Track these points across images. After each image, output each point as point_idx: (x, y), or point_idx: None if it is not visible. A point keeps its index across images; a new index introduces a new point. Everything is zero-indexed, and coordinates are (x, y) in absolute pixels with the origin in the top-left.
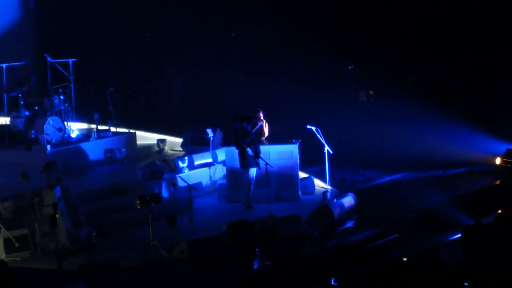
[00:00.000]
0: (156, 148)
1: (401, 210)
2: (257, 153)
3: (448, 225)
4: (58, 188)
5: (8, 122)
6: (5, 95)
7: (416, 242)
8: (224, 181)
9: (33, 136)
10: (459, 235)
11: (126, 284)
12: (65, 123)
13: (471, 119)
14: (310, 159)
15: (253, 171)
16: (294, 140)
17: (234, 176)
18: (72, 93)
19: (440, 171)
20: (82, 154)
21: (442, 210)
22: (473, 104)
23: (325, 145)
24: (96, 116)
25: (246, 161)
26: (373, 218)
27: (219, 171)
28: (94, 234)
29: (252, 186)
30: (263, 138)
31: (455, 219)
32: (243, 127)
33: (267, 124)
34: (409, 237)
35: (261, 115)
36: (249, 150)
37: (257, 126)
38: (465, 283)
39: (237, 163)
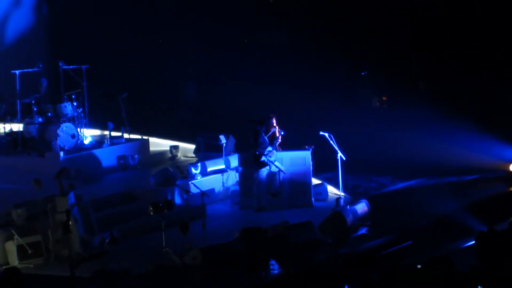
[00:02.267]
0: (169, 155)
1: (415, 217)
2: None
3: (462, 232)
4: (71, 195)
5: (21, 129)
6: (18, 101)
7: (429, 249)
8: (237, 188)
9: (53, 143)
10: (473, 242)
11: None
12: (78, 129)
13: (484, 125)
14: (323, 165)
15: (262, 172)
16: (307, 147)
17: (247, 182)
18: (85, 100)
19: (454, 178)
20: (95, 160)
21: (455, 217)
22: (487, 110)
23: (338, 151)
24: (110, 126)
25: (259, 162)
26: (387, 225)
27: (232, 178)
28: (106, 240)
29: (262, 187)
30: (275, 146)
31: (468, 226)
32: (256, 130)
33: (279, 130)
34: (423, 244)
35: (274, 121)
36: (264, 158)
37: (270, 132)
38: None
39: (250, 170)
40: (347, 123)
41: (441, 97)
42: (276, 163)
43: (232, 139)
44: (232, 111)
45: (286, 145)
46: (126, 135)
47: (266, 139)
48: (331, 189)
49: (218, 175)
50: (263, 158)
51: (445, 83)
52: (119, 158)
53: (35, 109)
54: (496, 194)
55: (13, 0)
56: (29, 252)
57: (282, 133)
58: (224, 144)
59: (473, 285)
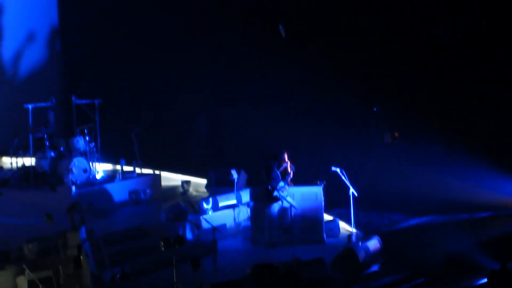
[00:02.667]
0: (181, 190)
1: (427, 254)
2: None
3: (474, 270)
4: (82, 230)
5: (33, 163)
6: (30, 135)
7: (442, 287)
8: (249, 223)
9: (65, 178)
10: (485, 280)
11: None
12: (90, 164)
13: (497, 162)
14: (335, 201)
15: (274, 207)
16: (318, 182)
17: (259, 218)
18: (98, 134)
19: (466, 215)
20: (107, 195)
21: (468, 254)
22: (500, 147)
23: (350, 187)
24: (122, 162)
25: (271, 198)
26: (399, 262)
27: (243, 213)
28: (118, 276)
29: (273, 222)
30: (287, 181)
31: (481, 264)
32: (269, 165)
33: (291, 165)
34: (435, 282)
35: (286, 156)
36: (276, 193)
37: (282, 167)
38: None
39: (261, 205)
40: (359, 158)
41: (454, 133)
42: (288, 198)
43: (243, 174)
44: (244, 146)
45: (298, 181)
46: (138, 170)
47: (279, 174)
48: (343, 225)
49: (230, 210)
50: (275, 193)
51: (458, 119)
52: (131, 192)
53: (47, 143)
54: (509, 231)
55: (26, 35)
56: (40, 287)
57: (293, 168)
58: (236, 179)
59: None
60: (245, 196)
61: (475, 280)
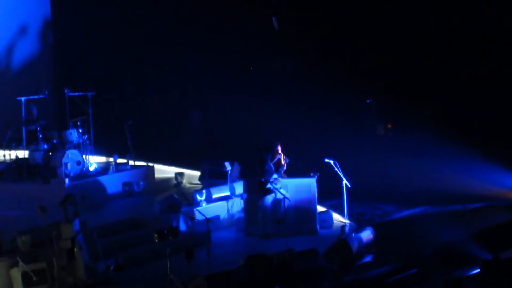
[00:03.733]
0: (174, 182)
1: (420, 244)
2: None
3: (467, 260)
4: (76, 222)
5: (26, 156)
6: (23, 128)
7: (434, 277)
8: (242, 215)
9: (58, 170)
10: (478, 270)
11: None
12: (84, 156)
13: (490, 153)
14: (328, 192)
15: (267, 199)
16: (312, 174)
17: (252, 209)
18: (91, 126)
19: (459, 206)
20: (100, 187)
21: (460, 245)
22: (492, 138)
23: (343, 178)
24: (115, 157)
25: (264, 189)
26: (392, 253)
27: (237, 205)
28: (111, 268)
29: (267, 214)
30: (281, 173)
31: (473, 254)
32: (262, 157)
33: (284, 157)
34: (428, 272)
35: (279, 148)
36: (269, 185)
37: (275, 159)
38: None
39: (255, 197)
40: (352, 150)
41: (446, 124)
42: (281, 190)
43: (237, 166)
44: (237, 138)
45: (291, 172)
46: (131, 162)
47: (272, 166)
48: (336, 217)
49: (223, 202)
50: (269, 185)
51: (451, 111)
52: (124, 184)
53: (40, 136)
54: (501, 222)
55: (19, 27)
56: (34, 279)
57: (287, 160)
58: (229, 171)
59: None
60: (239, 188)
61: (467, 271)
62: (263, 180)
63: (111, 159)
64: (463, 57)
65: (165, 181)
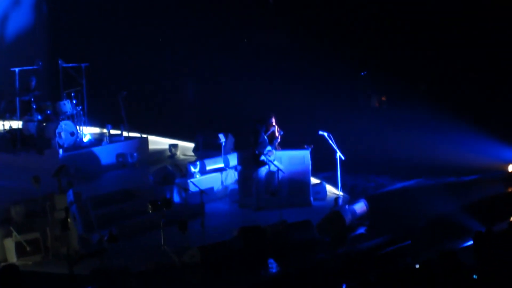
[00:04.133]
0: (168, 153)
1: (413, 216)
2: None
3: (460, 232)
4: (70, 192)
5: (20, 126)
6: (17, 99)
7: (428, 249)
8: (236, 186)
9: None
10: (471, 242)
11: None
12: (77, 127)
13: (483, 126)
14: (322, 164)
15: (261, 171)
16: (306, 146)
17: (246, 181)
18: (84, 98)
19: (452, 178)
20: (94, 158)
21: (454, 217)
22: (485, 110)
23: (337, 151)
24: (109, 127)
25: (258, 161)
26: (385, 225)
27: (231, 176)
28: (105, 238)
29: (260, 186)
30: (275, 145)
31: (466, 226)
32: (256, 129)
33: (278, 129)
34: (421, 244)
35: (273, 120)
36: (263, 157)
37: (269, 131)
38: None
39: (249, 169)
40: (346, 122)
41: (440, 97)
42: (275, 162)
43: (231, 138)
44: (231, 110)
45: (285, 144)
46: (125, 133)
47: (266, 138)
48: (330, 189)
49: (217, 174)
50: (263, 157)
51: (445, 83)
52: (118, 156)
53: (34, 106)
54: (495, 194)
55: None
56: (28, 249)
57: (281, 132)
58: (223, 143)
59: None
60: (233, 159)
61: (461, 243)
62: (257, 152)
63: (105, 130)
64: (458, 30)
65: (159, 152)
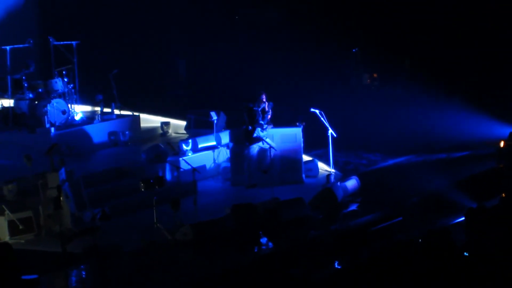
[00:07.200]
0: (160, 131)
1: (405, 193)
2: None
3: (452, 208)
4: (62, 171)
5: (12, 104)
6: (8, 77)
7: (419, 225)
8: (228, 164)
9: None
10: (463, 218)
11: (129, 267)
12: (69, 105)
13: (474, 102)
14: (314, 142)
15: (253, 148)
16: (297, 123)
17: (238, 159)
18: (76, 76)
19: (444, 154)
20: (86, 136)
21: (445, 193)
22: (476, 87)
23: (329, 128)
24: (99, 97)
25: (250, 138)
26: (377, 201)
27: (223, 154)
28: (98, 216)
29: (253, 164)
30: (267, 120)
31: (458, 202)
32: (249, 107)
33: (269, 104)
34: (413, 221)
35: (264, 97)
36: (257, 131)
37: (261, 107)
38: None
39: (241, 146)
40: (338, 100)
41: (431, 74)
42: (267, 139)
43: (223, 116)
44: (223, 88)
45: (277, 122)
46: (117, 111)
47: (261, 115)
48: (322, 166)
49: (209, 152)
50: (256, 133)
51: (435, 60)
52: (110, 134)
53: (25, 84)
54: (486, 170)
55: None
56: (20, 227)
57: (271, 104)
58: (215, 121)
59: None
60: (225, 137)
61: (452, 219)
62: (250, 128)
63: (97, 108)
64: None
65: (151, 130)
